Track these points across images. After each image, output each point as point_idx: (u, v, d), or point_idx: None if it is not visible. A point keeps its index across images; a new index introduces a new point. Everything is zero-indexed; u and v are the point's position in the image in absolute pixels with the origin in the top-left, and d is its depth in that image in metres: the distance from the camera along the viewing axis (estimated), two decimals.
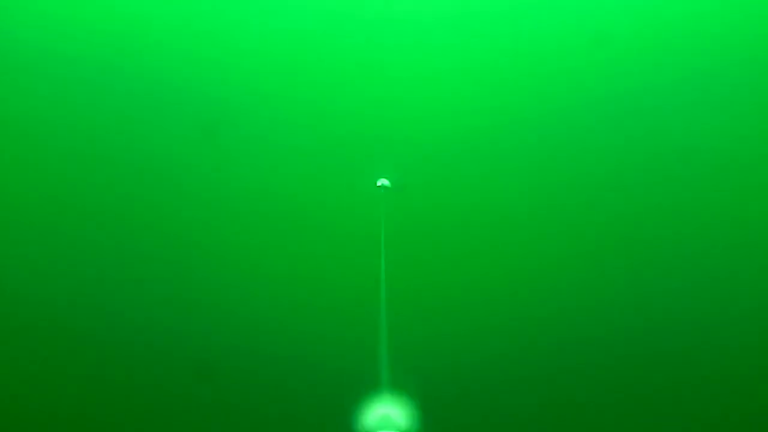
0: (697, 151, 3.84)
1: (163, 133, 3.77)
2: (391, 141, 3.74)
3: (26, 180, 3.86)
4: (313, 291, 4.01)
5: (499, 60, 3.60)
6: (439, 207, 3.87)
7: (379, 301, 2.79)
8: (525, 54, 3.59)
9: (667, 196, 3.89)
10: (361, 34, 3.55)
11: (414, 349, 3.83)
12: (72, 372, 4.13)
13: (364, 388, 2.37)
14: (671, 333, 4.11)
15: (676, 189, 3.89)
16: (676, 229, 3.97)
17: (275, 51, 3.61)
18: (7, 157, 3.81)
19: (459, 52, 3.59)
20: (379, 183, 3.70)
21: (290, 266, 3.99)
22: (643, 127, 3.77)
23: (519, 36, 3.56)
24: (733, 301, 4.08)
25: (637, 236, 3.96)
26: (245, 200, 3.88)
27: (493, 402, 4.16)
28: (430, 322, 4.03)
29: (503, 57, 3.59)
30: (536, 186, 3.84)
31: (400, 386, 2.34)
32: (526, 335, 4.07)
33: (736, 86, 3.71)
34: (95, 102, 3.73)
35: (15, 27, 3.59)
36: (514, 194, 3.86)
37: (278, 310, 4.06)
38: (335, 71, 3.63)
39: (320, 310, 4.03)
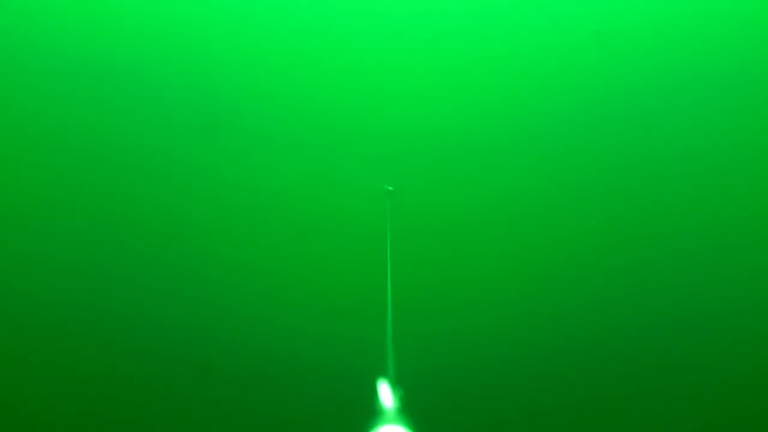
0: (696, 151, 3.86)
1: (166, 132, 3.76)
2: (396, 140, 3.74)
3: (26, 179, 3.85)
4: (317, 291, 4.01)
5: (504, 59, 3.61)
6: (445, 206, 3.87)
7: (384, 300, 2.79)
8: (529, 53, 3.60)
9: (668, 195, 3.91)
10: (365, 32, 3.55)
11: (420, 349, 3.83)
12: (72, 371, 4.12)
13: (370, 388, 2.36)
14: (674, 333, 4.12)
15: (675, 189, 3.90)
16: (676, 229, 3.98)
17: (278, 50, 3.61)
18: (7, 157, 3.80)
19: (465, 52, 3.59)
20: (387, 188, 3.70)
21: (294, 266, 3.99)
22: (647, 126, 3.77)
23: (523, 35, 3.56)
24: (732, 301, 4.09)
25: (642, 235, 3.97)
26: (249, 201, 3.88)
27: (499, 401, 4.16)
28: (436, 321, 4.03)
29: (508, 56, 3.60)
30: (542, 185, 3.85)
31: (406, 386, 2.33)
32: (533, 334, 4.08)
33: (736, 86, 3.72)
34: (96, 101, 3.72)
35: (16, 25, 3.57)
36: (520, 194, 3.86)
37: (283, 311, 4.06)
38: (339, 70, 3.63)
39: (325, 310, 4.03)
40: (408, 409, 2.26)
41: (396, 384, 2.38)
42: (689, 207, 3.93)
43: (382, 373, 2.48)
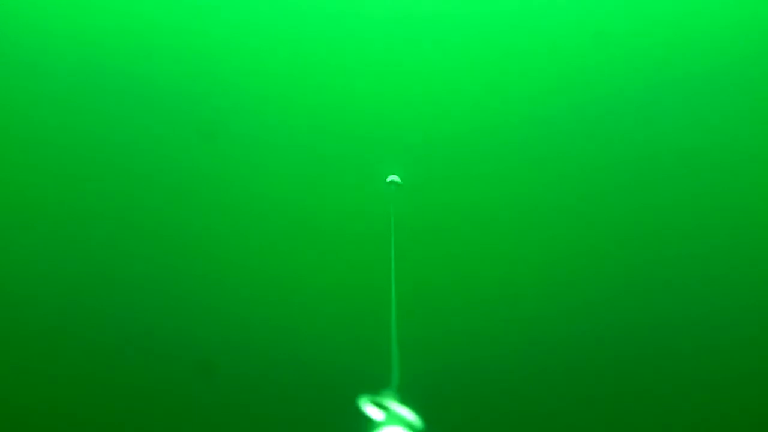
0: (696, 151, 3.86)
1: (168, 136, 3.76)
2: (399, 140, 3.74)
3: (26, 181, 3.85)
4: (322, 291, 4.02)
5: (506, 59, 3.60)
6: (448, 205, 3.87)
7: (389, 300, 2.80)
8: (532, 53, 3.59)
9: (673, 194, 3.91)
10: (367, 33, 3.54)
11: (425, 347, 3.83)
12: (73, 372, 4.12)
13: (374, 387, 2.37)
14: (676, 331, 4.13)
15: (676, 188, 3.91)
16: (676, 228, 3.99)
17: (280, 51, 3.60)
18: (7, 159, 3.79)
19: (466, 52, 3.59)
20: (389, 179, 3.69)
21: (298, 268, 3.99)
22: (651, 125, 3.78)
23: (526, 36, 3.56)
24: (732, 301, 4.10)
25: (649, 234, 3.97)
26: (253, 202, 3.87)
27: (504, 401, 4.16)
28: (440, 320, 4.03)
29: (510, 56, 3.59)
30: (547, 184, 3.85)
31: (410, 385, 2.34)
32: (538, 333, 4.08)
33: (736, 86, 3.72)
34: (96, 104, 3.71)
35: (15, 29, 3.56)
36: (525, 193, 3.86)
37: (287, 312, 4.06)
38: (341, 71, 3.62)
39: (329, 310, 4.03)
40: (411, 409, 2.27)
41: (400, 383, 2.38)
42: (694, 206, 3.93)
43: (386, 372, 2.48)
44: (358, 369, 3.54)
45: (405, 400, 2.32)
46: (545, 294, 4.05)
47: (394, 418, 2.32)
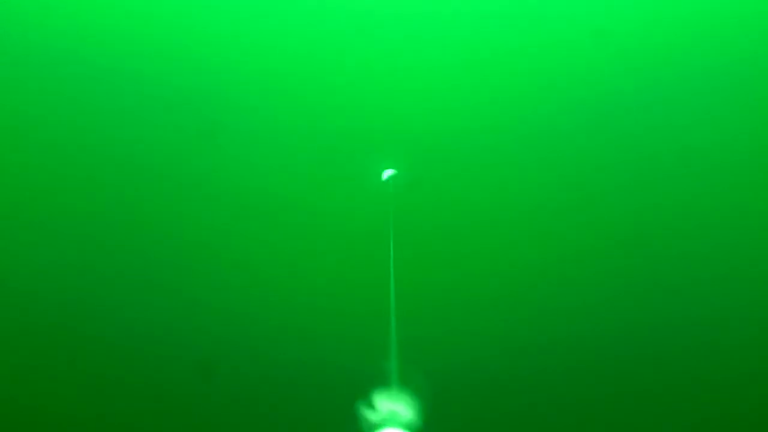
0: (696, 150, 3.86)
1: (166, 135, 3.75)
2: (398, 137, 3.74)
3: (26, 180, 3.85)
4: (321, 291, 4.01)
5: (506, 57, 3.59)
6: (447, 203, 3.87)
7: (388, 299, 2.80)
8: (532, 52, 3.58)
9: (669, 194, 3.91)
10: (366, 31, 3.53)
11: (423, 346, 3.83)
12: (73, 371, 4.12)
13: (374, 385, 2.38)
14: (676, 332, 4.13)
15: (676, 188, 3.91)
16: (676, 228, 3.99)
17: (278, 50, 3.60)
18: (7, 157, 3.80)
19: (466, 50, 3.58)
20: (385, 175, 3.68)
21: (297, 266, 3.99)
22: (651, 124, 3.78)
23: (526, 34, 3.55)
24: (732, 301, 4.10)
25: (651, 233, 3.98)
26: (252, 201, 3.87)
27: (502, 399, 4.16)
28: (439, 319, 4.03)
29: (510, 54, 3.58)
30: (546, 183, 3.84)
31: (409, 383, 2.34)
32: (538, 332, 4.08)
33: (736, 86, 3.72)
34: (97, 102, 3.71)
35: (17, 27, 3.56)
36: (522, 190, 3.86)
37: (287, 311, 4.06)
38: (341, 69, 3.61)
39: (328, 309, 4.03)
40: (412, 408, 2.27)
41: (398, 383, 2.39)
42: (694, 206, 3.93)
43: (385, 371, 2.49)
44: (358, 368, 3.54)
45: (403, 400, 2.32)
46: (545, 294, 4.05)
47: (391, 418, 2.33)
